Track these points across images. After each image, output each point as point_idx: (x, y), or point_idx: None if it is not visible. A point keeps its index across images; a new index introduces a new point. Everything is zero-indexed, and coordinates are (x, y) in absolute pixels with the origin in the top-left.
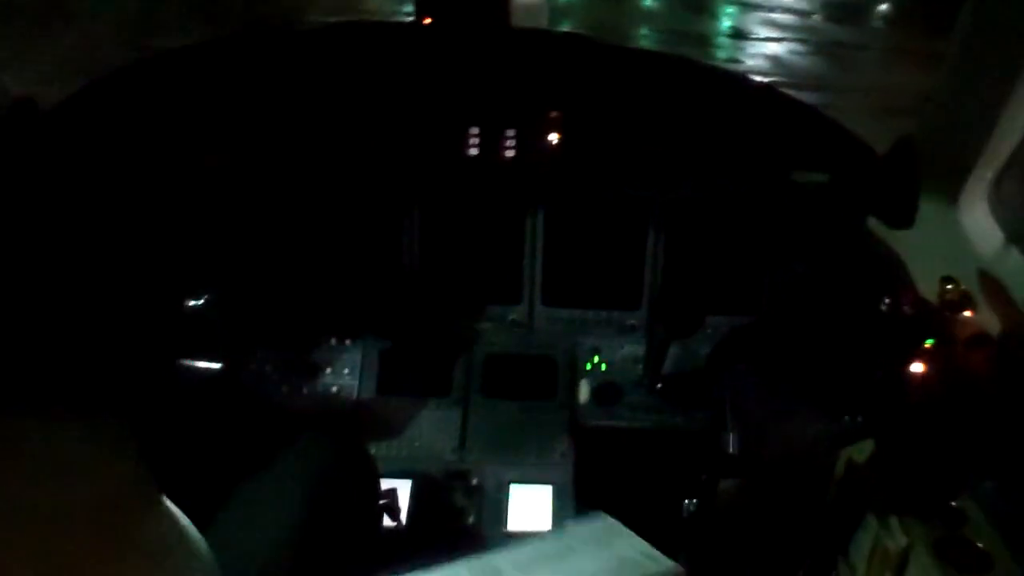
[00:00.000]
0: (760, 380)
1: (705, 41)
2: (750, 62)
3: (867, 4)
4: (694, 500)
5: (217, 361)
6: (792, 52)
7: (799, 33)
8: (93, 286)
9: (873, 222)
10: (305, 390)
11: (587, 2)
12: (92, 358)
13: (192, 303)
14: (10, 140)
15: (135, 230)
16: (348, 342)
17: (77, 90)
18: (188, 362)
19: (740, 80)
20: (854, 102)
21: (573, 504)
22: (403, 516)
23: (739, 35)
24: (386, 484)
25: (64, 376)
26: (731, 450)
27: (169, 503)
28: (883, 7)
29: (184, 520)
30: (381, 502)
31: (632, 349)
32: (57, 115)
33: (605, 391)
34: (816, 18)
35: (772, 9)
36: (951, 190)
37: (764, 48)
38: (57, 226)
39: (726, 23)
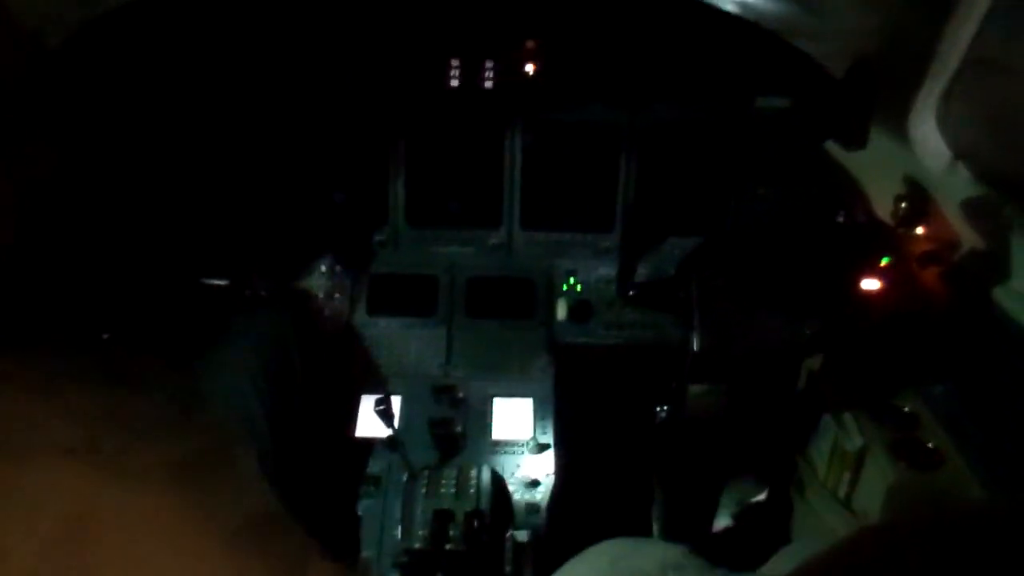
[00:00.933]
0: (725, 287)
1: None
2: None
3: None
4: (665, 407)
5: (223, 279)
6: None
7: None
8: (121, 219)
9: (830, 145)
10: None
11: None
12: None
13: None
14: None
15: (148, 165)
16: (338, 268)
17: (78, 30)
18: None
19: (708, 7)
20: (823, 48)
21: (552, 415)
22: (395, 423)
23: None
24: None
25: (113, 304)
26: (696, 349)
27: (251, 461)
28: None
29: (263, 484)
30: (376, 408)
31: (607, 271)
32: (62, 55)
33: (580, 309)
34: None
35: None
36: (901, 110)
37: None
38: (74, 168)
39: None
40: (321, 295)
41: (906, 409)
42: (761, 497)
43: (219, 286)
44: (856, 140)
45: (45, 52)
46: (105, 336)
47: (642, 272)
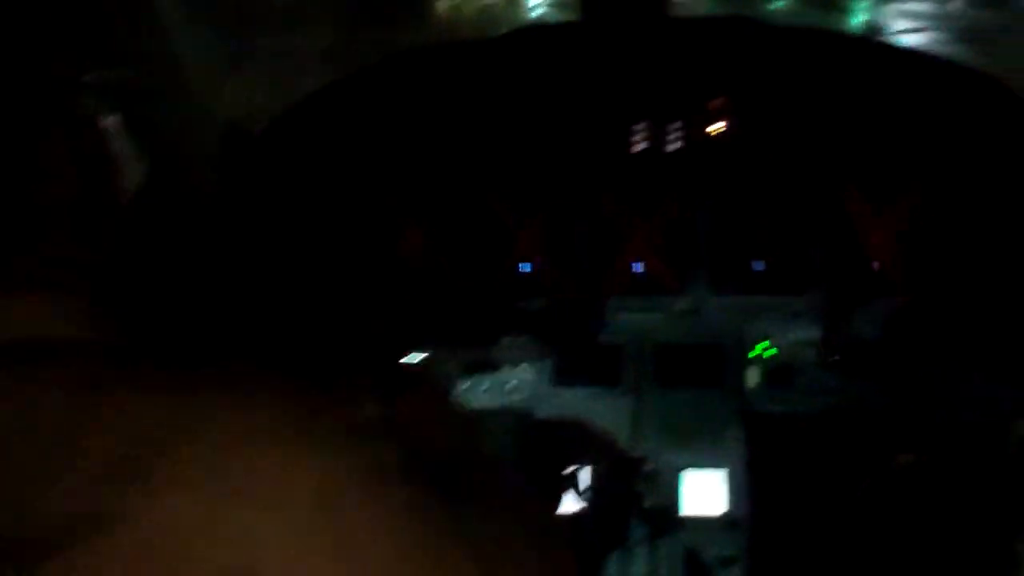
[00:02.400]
0: (936, 350)
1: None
2: None
3: None
4: (870, 479)
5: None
6: (932, 41)
7: (938, 21)
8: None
9: None
10: (484, 387)
11: (712, 5)
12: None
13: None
14: (228, 160)
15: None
16: (524, 338)
17: (285, 110)
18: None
19: (915, 54)
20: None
21: (747, 488)
22: (584, 498)
23: (874, 30)
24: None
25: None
26: (905, 418)
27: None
28: None
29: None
30: (565, 483)
31: (802, 333)
32: (269, 137)
33: (776, 375)
34: (955, 4)
35: None
36: None
37: (902, 41)
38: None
39: (859, 18)
40: (507, 366)
41: None
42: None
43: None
44: None
45: (249, 137)
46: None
47: (845, 335)
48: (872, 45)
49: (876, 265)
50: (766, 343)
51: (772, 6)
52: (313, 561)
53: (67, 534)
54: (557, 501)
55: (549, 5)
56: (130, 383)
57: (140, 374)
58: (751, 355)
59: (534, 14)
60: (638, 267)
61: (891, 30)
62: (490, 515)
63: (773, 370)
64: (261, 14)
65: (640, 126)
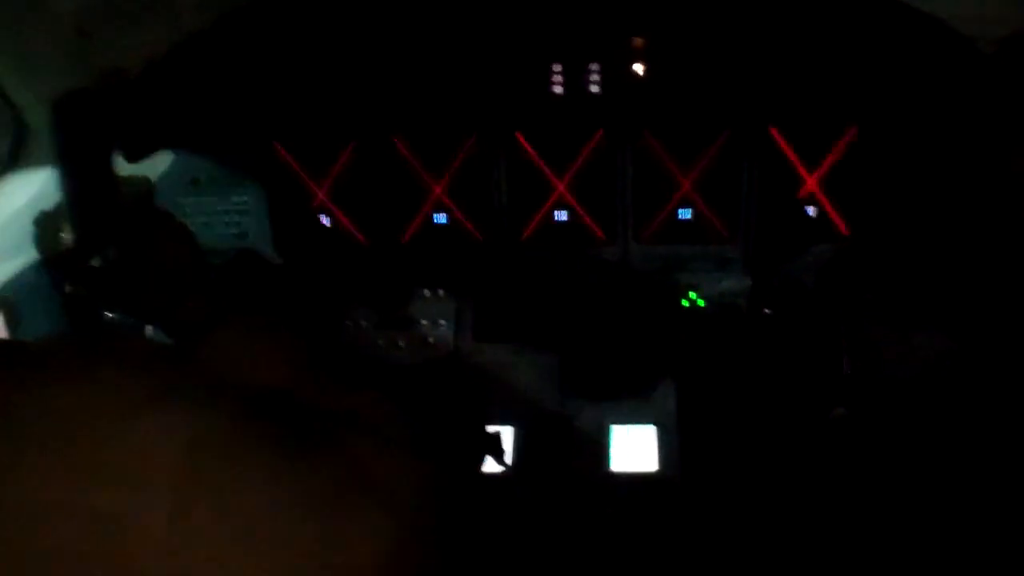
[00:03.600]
0: (878, 301)
1: None
2: None
3: None
4: (805, 432)
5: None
6: None
7: None
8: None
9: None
10: (401, 342)
11: None
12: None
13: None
14: (104, 109)
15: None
16: (442, 293)
17: (156, 59)
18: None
19: None
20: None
21: (678, 442)
22: (507, 459)
23: None
24: (489, 429)
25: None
26: (846, 371)
27: None
28: None
29: None
30: (487, 444)
31: (730, 283)
32: (143, 80)
33: (705, 326)
34: None
35: None
36: None
37: None
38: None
39: None
40: (425, 322)
41: None
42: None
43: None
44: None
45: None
46: None
47: (775, 284)
48: None
49: (812, 211)
50: (694, 294)
51: None
52: (185, 533)
53: None
54: (479, 462)
55: None
56: None
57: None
58: (680, 306)
59: None
60: (560, 216)
61: None
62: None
63: (702, 322)
64: None
65: (557, 68)
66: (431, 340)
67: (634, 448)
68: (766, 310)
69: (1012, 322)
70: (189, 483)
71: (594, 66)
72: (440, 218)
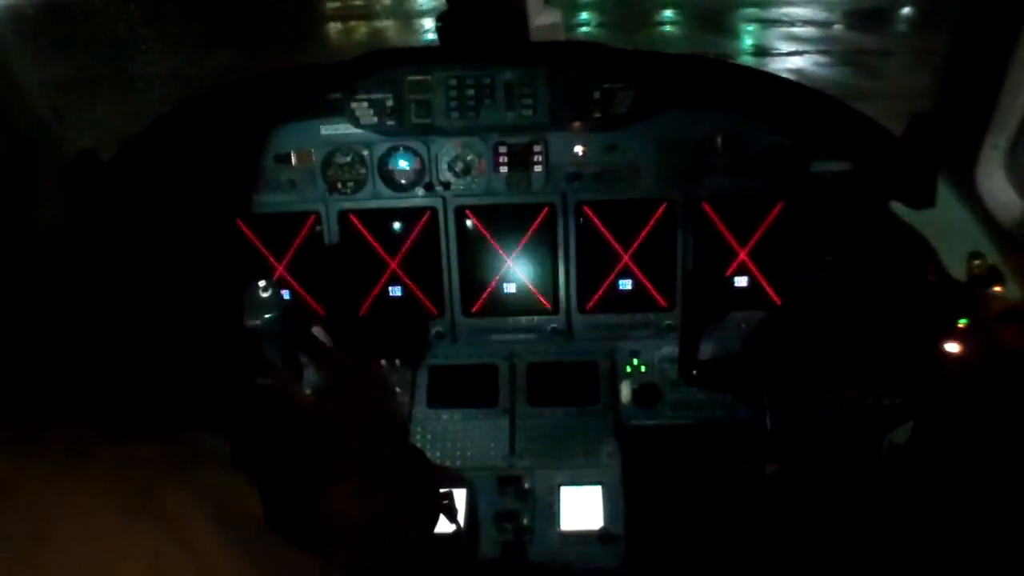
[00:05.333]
0: (796, 363)
1: (728, 60)
2: None
3: (889, 9)
4: (738, 489)
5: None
6: (816, 64)
7: (821, 44)
8: (165, 314)
9: (896, 206)
10: None
11: (603, 31)
12: (171, 376)
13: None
14: (77, 188)
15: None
16: (398, 362)
17: (129, 138)
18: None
19: (760, 74)
20: (880, 109)
21: (623, 502)
22: (460, 519)
23: (762, 52)
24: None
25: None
26: (769, 428)
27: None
28: (906, 10)
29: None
30: (441, 504)
31: (670, 349)
32: (115, 162)
33: (646, 392)
34: (838, 28)
35: (792, 23)
36: (967, 165)
37: (787, 63)
38: (128, 257)
39: (747, 41)
40: None
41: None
42: None
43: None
44: (923, 199)
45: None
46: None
47: (707, 350)
48: (718, 66)
49: (743, 281)
50: (635, 360)
51: (665, 29)
52: None
53: None
54: (433, 522)
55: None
56: None
57: None
58: (624, 372)
59: (426, 38)
60: (509, 288)
61: (778, 51)
62: None
63: (643, 386)
64: (113, 39)
65: (502, 150)
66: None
67: (581, 507)
68: (694, 372)
69: (916, 378)
70: None
71: (538, 147)
72: (395, 291)
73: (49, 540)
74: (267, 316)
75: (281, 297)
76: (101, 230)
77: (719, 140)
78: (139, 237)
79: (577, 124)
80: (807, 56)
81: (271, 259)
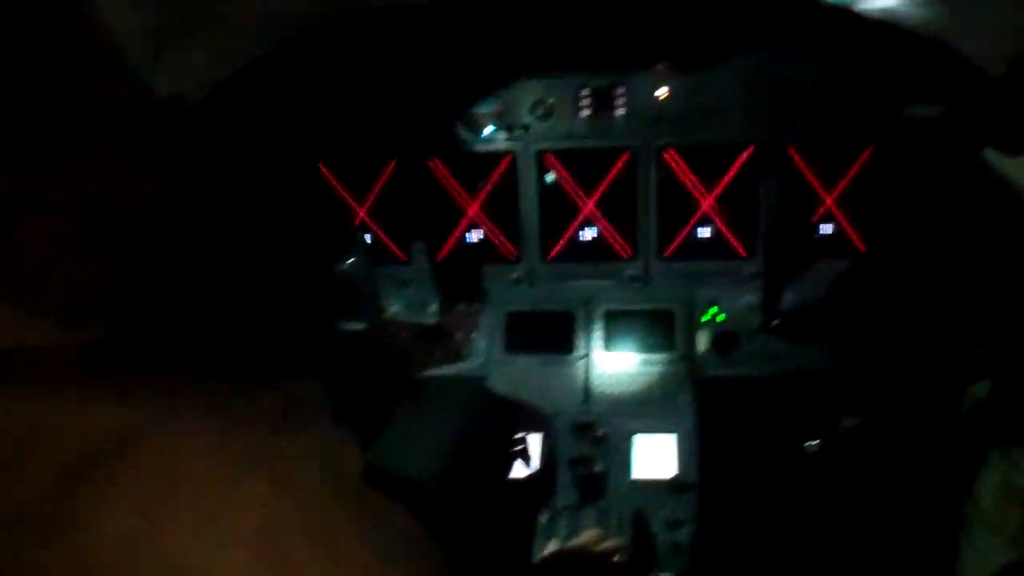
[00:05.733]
0: (880, 313)
1: None
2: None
3: None
4: (816, 441)
5: (361, 324)
6: (905, 3)
7: None
8: (257, 262)
9: (992, 153)
10: (438, 355)
11: None
12: (268, 325)
13: (341, 266)
14: (168, 137)
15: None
16: (476, 305)
17: (215, 87)
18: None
19: (850, 13)
20: (978, 48)
21: (697, 452)
22: (534, 463)
23: None
24: (517, 435)
25: (247, 345)
26: (850, 380)
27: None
28: None
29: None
30: (515, 449)
31: (749, 299)
32: (201, 111)
33: (724, 340)
34: None
35: None
36: None
37: (875, 1)
38: (219, 213)
39: None
40: (459, 335)
41: None
42: (922, 536)
43: (356, 331)
44: (1021, 146)
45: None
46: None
47: (789, 299)
48: (818, 8)
49: (828, 228)
50: (715, 308)
51: None
52: None
53: (21, 533)
54: (509, 468)
55: None
56: (90, 389)
57: (100, 382)
58: (700, 320)
59: None
60: (587, 233)
61: None
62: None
63: (721, 335)
64: None
65: (584, 92)
66: (464, 351)
67: (655, 456)
68: (777, 321)
69: (1004, 332)
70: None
71: (620, 89)
72: (474, 236)
73: (170, 493)
74: (351, 260)
75: (365, 241)
76: (192, 180)
77: (808, 81)
78: (228, 185)
79: (661, 66)
80: None
81: (353, 204)
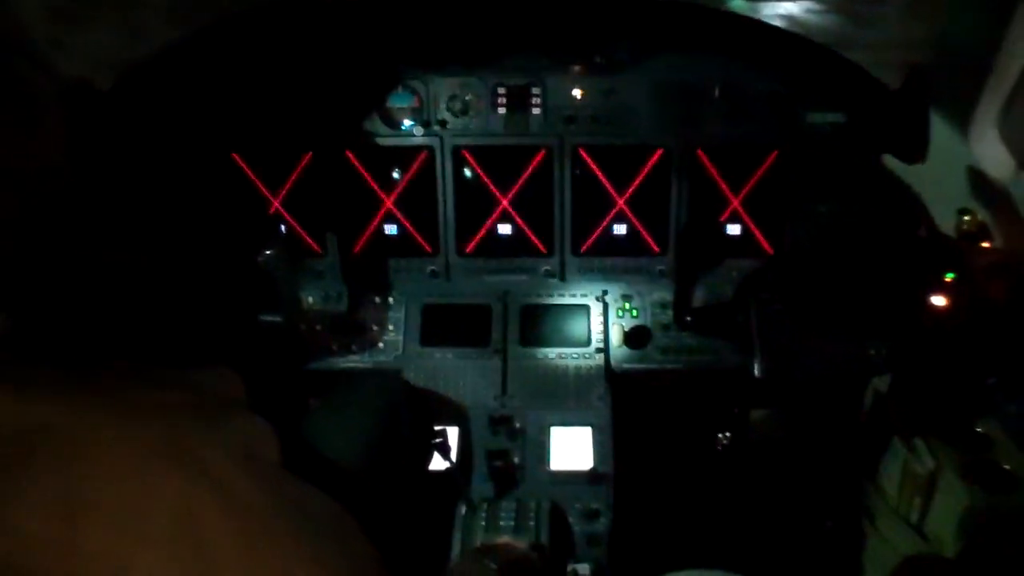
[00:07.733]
0: (785, 310)
1: (718, 4)
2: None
3: None
4: (727, 433)
5: (279, 315)
6: (808, 11)
7: None
8: (174, 253)
9: (889, 160)
10: (354, 346)
11: None
12: (186, 318)
13: (260, 258)
14: (69, 122)
15: (199, 198)
16: (391, 300)
17: (126, 71)
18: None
19: (754, 23)
20: (872, 59)
21: (612, 444)
22: (453, 456)
23: None
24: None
25: (166, 337)
26: (757, 374)
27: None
28: None
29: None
30: (434, 442)
31: (661, 295)
32: (113, 96)
33: (637, 335)
34: None
35: None
36: (961, 121)
37: (778, 8)
38: (127, 199)
39: None
40: (375, 327)
41: (978, 430)
42: (829, 524)
43: (274, 322)
44: (915, 153)
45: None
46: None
47: (699, 296)
48: (724, 16)
49: (736, 229)
50: (627, 304)
51: None
52: None
53: None
54: (427, 460)
55: None
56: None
57: (15, 373)
58: (615, 315)
59: None
60: (503, 229)
61: None
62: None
63: (634, 330)
64: None
65: (500, 91)
66: (381, 345)
67: (571, 449)
68: (688, 318)
69: (902, 329)
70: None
71: (535, 89)
72: (391, 229)
73: (87, 481)
74: (269, 252)
75: (281, 232)
76: (99, 165)
77: (715, 87)
78: (138, 172)
79: (576, 68)
80: (799, 2)
81: (268, 194)
